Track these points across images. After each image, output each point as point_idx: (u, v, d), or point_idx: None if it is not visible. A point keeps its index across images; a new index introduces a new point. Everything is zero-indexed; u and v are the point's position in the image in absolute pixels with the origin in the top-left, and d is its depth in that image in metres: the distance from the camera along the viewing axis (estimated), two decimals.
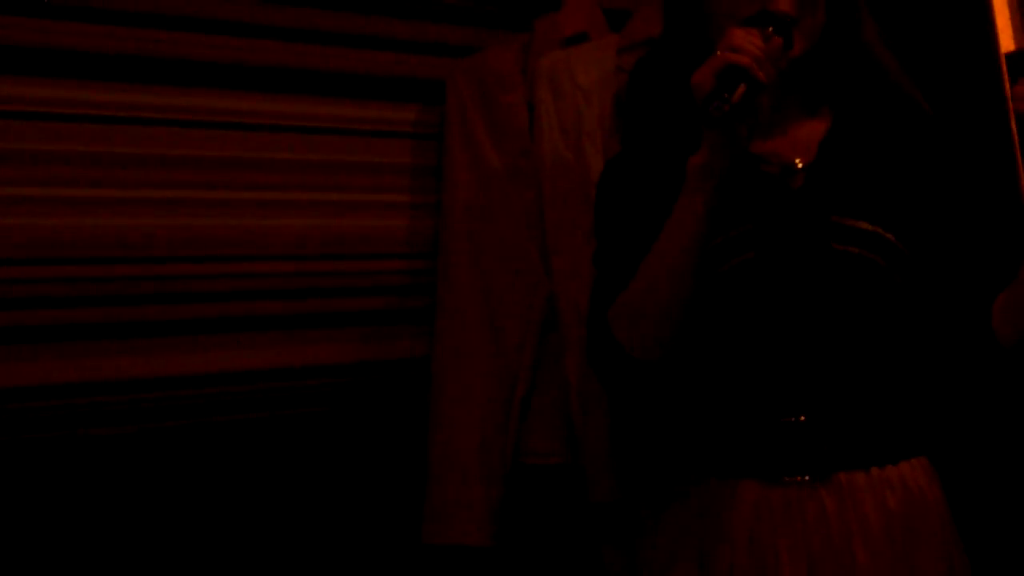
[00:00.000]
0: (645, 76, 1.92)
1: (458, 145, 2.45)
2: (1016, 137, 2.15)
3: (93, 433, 2.08)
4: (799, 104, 1.77)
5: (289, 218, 2.33)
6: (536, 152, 2.39)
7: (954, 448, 1.79)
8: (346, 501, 2.35)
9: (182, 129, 2.21)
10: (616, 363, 1.69)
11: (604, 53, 2.42)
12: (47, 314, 2.05)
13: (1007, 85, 2.18)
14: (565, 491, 2.35)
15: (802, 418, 1.63)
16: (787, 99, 1.75)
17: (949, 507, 1.70)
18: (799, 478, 1.62)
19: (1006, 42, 2.24)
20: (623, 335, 1.66)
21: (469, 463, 2.36)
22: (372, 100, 2.45)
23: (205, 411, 2.21)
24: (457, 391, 2.38)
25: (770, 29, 1.58)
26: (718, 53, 1.53)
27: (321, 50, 2.38)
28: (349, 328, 2.40)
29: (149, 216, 2.16)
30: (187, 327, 2.20)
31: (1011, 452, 2.12)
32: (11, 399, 2.01)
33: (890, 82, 1.75)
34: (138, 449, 2.13)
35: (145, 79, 2.16)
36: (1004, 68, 2.21)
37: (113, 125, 2.13)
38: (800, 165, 1.71)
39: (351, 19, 2.42)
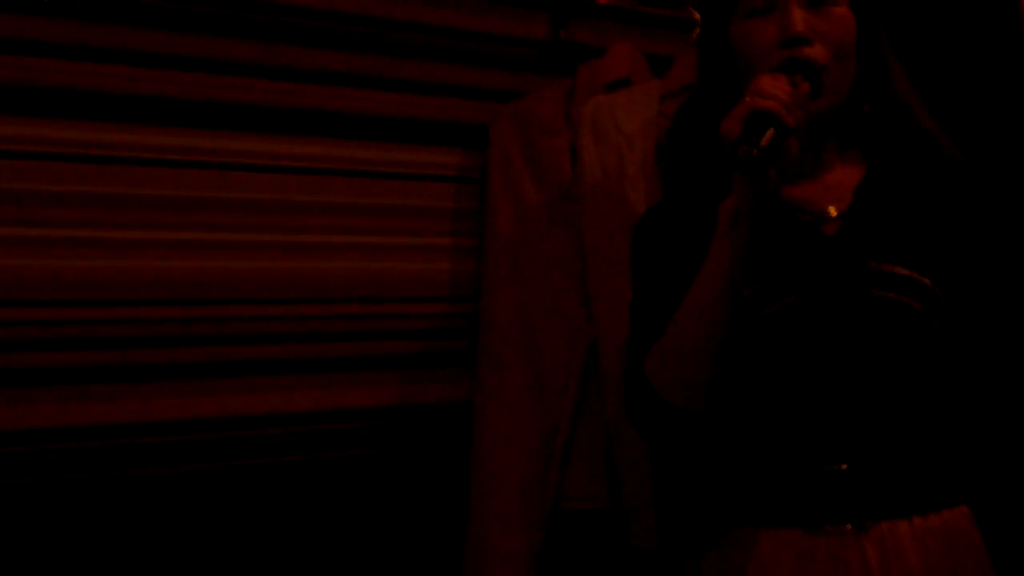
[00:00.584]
0: (684, 123, 1.93)
1: (501, 189, 2.46)
2: None
3: (133, 474, 2.09)
4: (833, 152, 1.79)
5: (334, 261, 2.33)
6: (578, 197, 2.40)
7: (996, 496, 1.77)
8: (386, 545, 2.35)
9: (232, 172, 2.22)
10: (654, 412, 1.69)
11: (646, 99, 2.42)
12: (94, 356, 2.07)
13: None
14: (606, 536, 2.34)
15: (844, 466, 1.62)
16: (821, 147, 1.78)
17: (991, 556, 1.69)
18: (841, 527, 1.62)
19: None
20: (660, 384, 1.66)
21: (510, 508, 2.35)
22: (416, 144, 2.46)
23: (247, 453, 2.22)
24: (498, 435, 2.37)
25: (799, 76, 1.61)
26: (746, 99, 1.55)
27: (367, 94, 2.39)
28: (390, 371, 2.40)
29: (198, 259, 2.17)
30: (231, 369, 2.20)
31: None
32: (60, 439, 2.03)
33: (920, 129, 1.77)
34: (178, 491, 2.13)
35: (195, 123, 2.18)
36: None
37: (164, 168, 2.15)
38: (834, 213, 1.72)
39: (396, 64, 2.43)
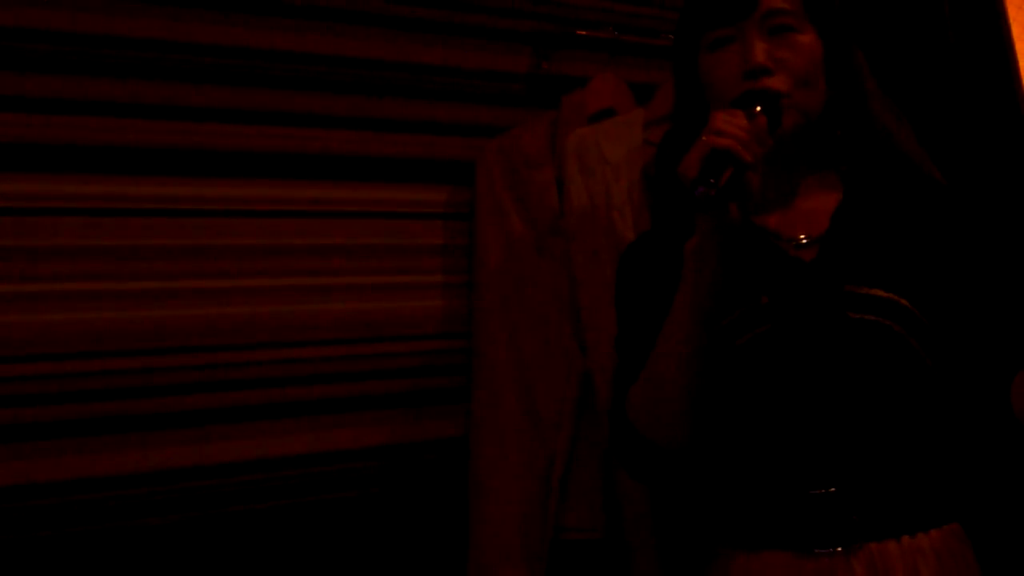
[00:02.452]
0: (665, 153, 1.94)
1: (489, 224, 2.47)
2: None
3: (131, 524, 2.10)
4: (808, 176, 1.79)
5: (324, 303, 2.34)
6: (566, 228, 2.40)
7: (987, 514, 1.76)
8: None
9: (218, 219, 2.24)
10: (636, 451, 1.69)
11: (631, 128, 2.43)
12: (87, 408, 2.08)
13: None
14: (606, 567, 2.33)
15: (831, 489, 1.61)
16: (795, 172, 1.78)
17: (983, 573, 1.68)
18: (830, 549, 1.61)
19: None
20: (640, 423, 1.67)
21: (509, 542, 2.34)
22: (403, 183, 2.47)
23: (242, 498, 2.22)
24: (495, 470, 2.37)
25: (756, 109, 1.60)
26: (702, 138, 1.55)
27: (351, 135, 2.40)
28: (384, 411, 2.40)
29: (186, 307, 2.19)
30: (224, 416, 2.22)
31: None
32: (55, 493, 2.04)
33: (899, 152, 1.77)
34: (175, 539, 2.14)
35: (177, 171, 2.20)
36: None
37: (154, 218, 2.17)
38: (804, 239, 1.72)
39: (380, 103, 2.44)
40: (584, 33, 2.65)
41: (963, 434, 1.73)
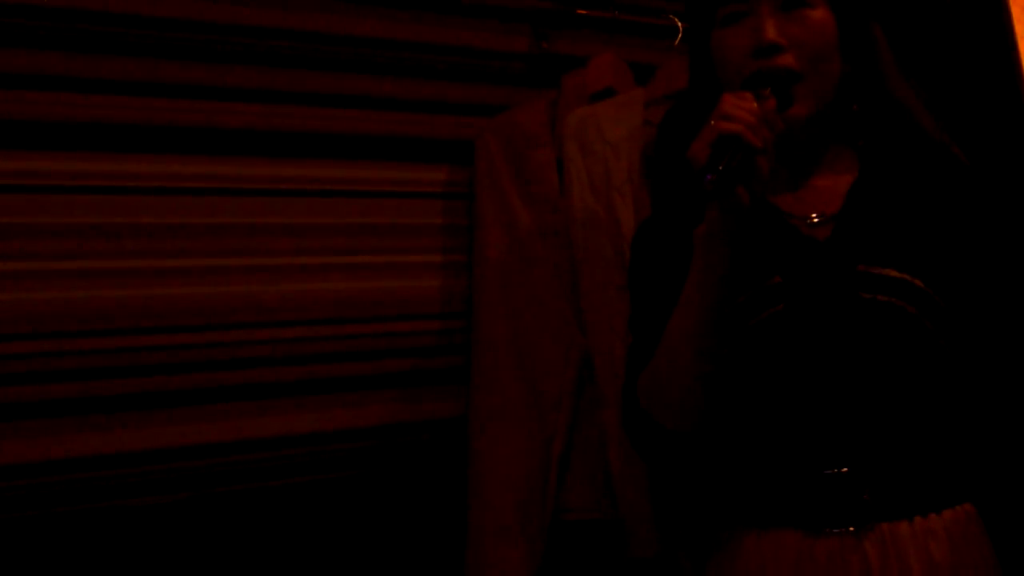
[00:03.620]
0: (668, 133, 1.93)
1: (488, 204, 2.46)
2: None
3: (127, 504, 2.09)
4: (824, 154, 1.77)
5: (323, 282, 2.33)
6: (566, 208, 2.40)
7: (1001, 496, 1.76)
8: (385, 565, 2.34)
9: (218, 198, 2.22)
10: (647, 435, 1.69)
11: (631, 108, 2.43)
12: (88, 386, 2.06)
13: None
14: (606, 546, 2.33)
15: (844, 469, 1.61)
16: (811, 151, 1.76)
17: (997, 555, 1.68)
18: (842, 529, 1.61)
19: None
20: (651, 407, 1.67)
21: (508, 522, 2.34)
22: (402, 162, 2.45)
23: (239, 478, 2.21)
24: (494, 450, 2.37)
25: (766, 91, 1.59)
26: (711, 123, 1.53)
27: (351, 114, 2.39)
28: (384, 390, 2.39)
29: (185, 285, 2.17)
30: (222, 395, 2.20)
31: None
32: (46, 472, 2.02)
33: (918, 130, 1.75)
34: (172, 519, 2.13)
35: (179, 149, 2.18)
36: None
37: (152, 196, 2.15)
38: (816, 219, 1.71)
39: (380, 82, 2.43)
40: (584, 12, 2.64)
41: (976, 415, 1.72)
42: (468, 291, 2.48)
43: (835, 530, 1.61)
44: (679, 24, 2.55)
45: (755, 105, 1.55)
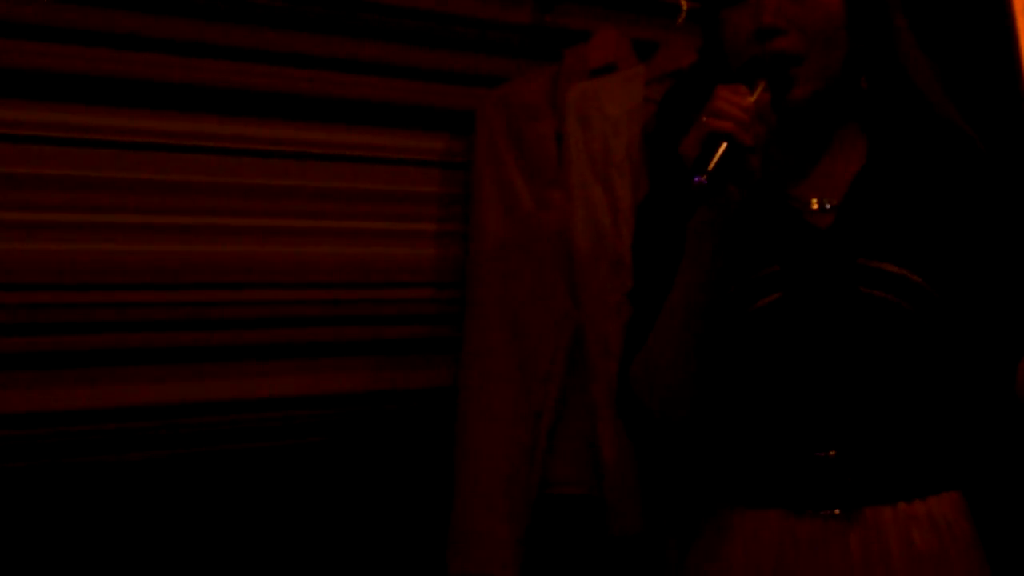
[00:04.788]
0: (668, 111, 1.91)
1: (486, 175, 2.45)
2: None
3: (115, 459, 2.09)
4: (831, 134, 1.73)
5: (318, 246, 2.33)
6: (564, 182, 2.40)
7: (991, 483, 1.77)
8: (370, 531, 2.35)
9: (215, 157, 2.22)
10: (637, 420, 1.69)
11: (632, 84, 2.42)
12: (84, 339, 2.07)
13: None
14: (591, 522, 2.34)
15: (832, 453, 1.62)
16: (816, 130, 1.72)
17: (983, 542, 1.68)
18: (825, 512, 1.61)
19: None
20: (642, 393, 1.67)
21: (495, 494, 2.35)
22: (401, 129, 2.45)
23: (233, 437, 2.21)
24: (483, 421, 2.37)
25: (761, 82, 1.55)
26: (702, 119, 1.50)
27: (350, 79, 2.38)
28: (375, 356, 2.40)
29: (181, 243, 2.17)
30: (214, 354, 2.20)
31: None
32: (52, 423, 2.03)
33: (933, 114, 1.70)
34: (162, 476, 2.13)
35: (179, 107, 2.18)
36: None
37: (154, 152, 2.15)
38: (828, 205, 1.69)
39: (381, 48, 2.42)
40: None
41: (966, 408, 1.72)
42: (463, 261, 2.48)
43: (819, 512, 1.61)
44: (683, 3, 2.54)
45: (749, 100, 1.52)
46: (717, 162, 1.47)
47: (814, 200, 1.69)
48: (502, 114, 2.47)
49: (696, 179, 1.47)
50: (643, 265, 1.78)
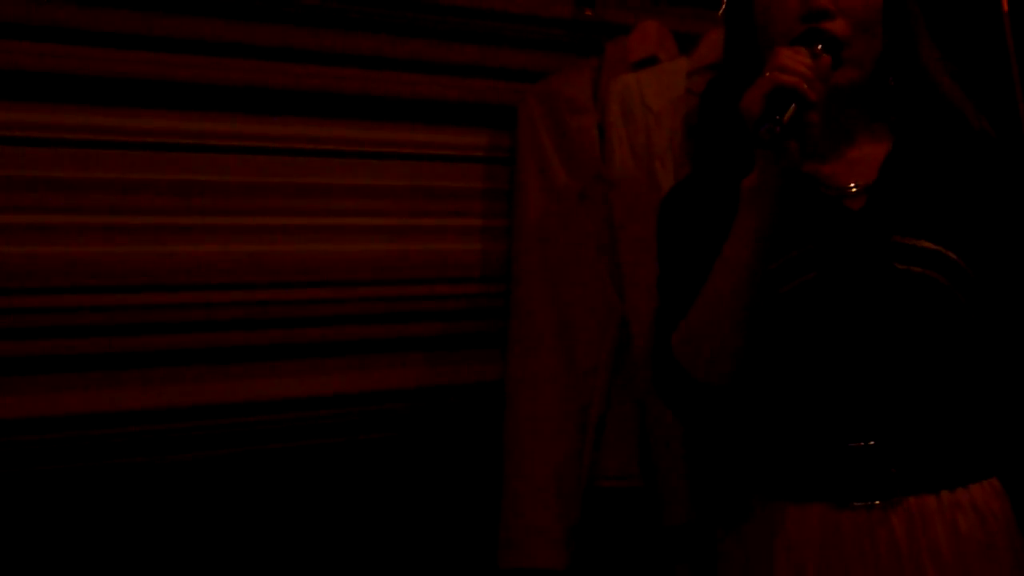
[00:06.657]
0: (710, 100, 1.92)
1: (529, 169, 2.46)
2: None
3: (172, 460, 2.11)
4: (859, 126, 1.77)
5: (363, 244, 2.35)
6: (607, 175, 2.40)
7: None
8: (421, 526, 2.36)
9: (261, 157, 2.24)
10: (681, 388, 1.68)
11: (674, 76, 2.42)
12: (131, 341, 2.09)
13: None
14: (640, 514, 2.35)
15: (871, 442, 1.62)
16: (847, 121, 1.76)
17: (1021, 529, 1.68)
18: (869, 503, 1.62)
19: None
20: (686, 360, 1.66)
21: (544, 487, 2.36)
22: (444, 125, 2.46)
23: (284, 436, 2.23)
24: (531, 415, 2.38)
25: (819, 47, 1.58)
26: (766, 74, 1.53)
27: (392, 76, 2.40)
28: (422, 353, 2.41)
29: (231, 243, 2.19)
30: (260, 354, 2.22)
31: None
32: (91, 426, 2.05)
33: (947, 102, 1.75)
34: (211, 475, 2.15)
35: (223, 107, 2.20)
36: None
37: (198, 154, 2.17)
38: (854, 188, 1.71)
39: (423, 46, 2.44)
40: None
41: (1004, 390, 1.72)
42: (507, 255, 2.49)
43: (861, 504, 1.62)
44: None
45: (810, 60, 1.55)
46: (783, 114, 1.49)
47: (849, 183, 1.71)
48: (544, 108, 2.48)
49: (765, 127, 1.49)
50: (681, 238, 1.78)
